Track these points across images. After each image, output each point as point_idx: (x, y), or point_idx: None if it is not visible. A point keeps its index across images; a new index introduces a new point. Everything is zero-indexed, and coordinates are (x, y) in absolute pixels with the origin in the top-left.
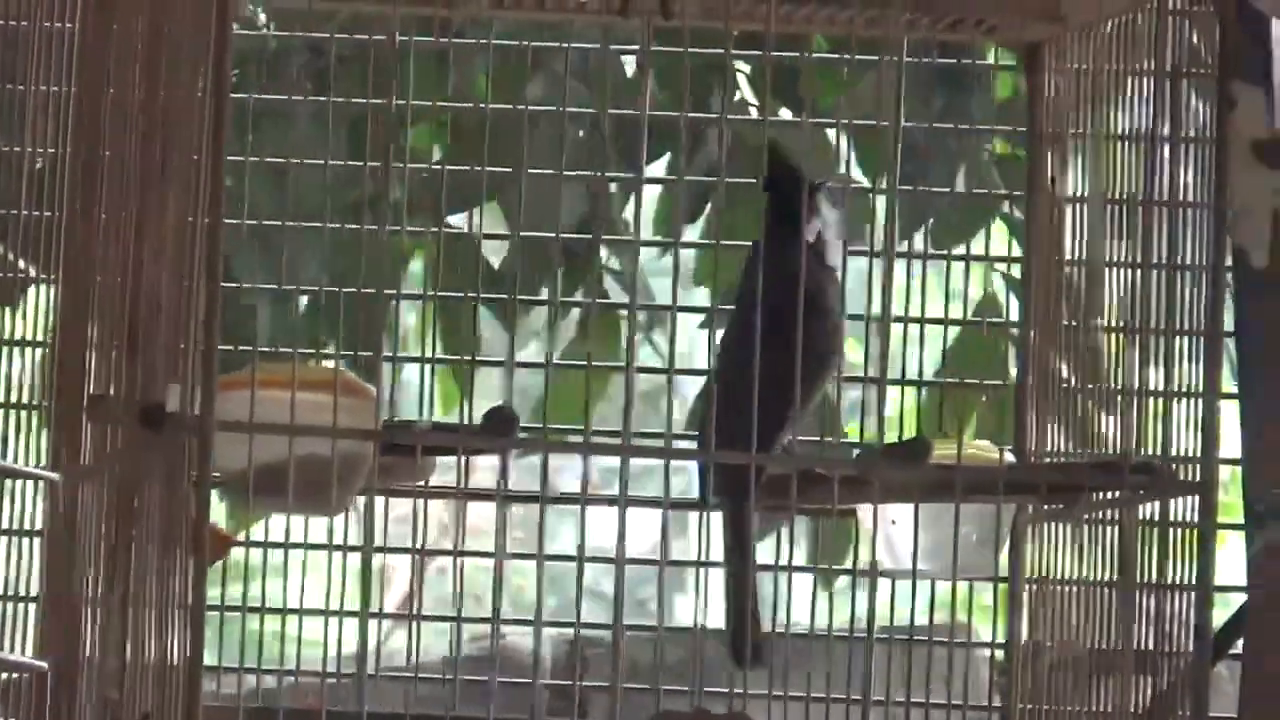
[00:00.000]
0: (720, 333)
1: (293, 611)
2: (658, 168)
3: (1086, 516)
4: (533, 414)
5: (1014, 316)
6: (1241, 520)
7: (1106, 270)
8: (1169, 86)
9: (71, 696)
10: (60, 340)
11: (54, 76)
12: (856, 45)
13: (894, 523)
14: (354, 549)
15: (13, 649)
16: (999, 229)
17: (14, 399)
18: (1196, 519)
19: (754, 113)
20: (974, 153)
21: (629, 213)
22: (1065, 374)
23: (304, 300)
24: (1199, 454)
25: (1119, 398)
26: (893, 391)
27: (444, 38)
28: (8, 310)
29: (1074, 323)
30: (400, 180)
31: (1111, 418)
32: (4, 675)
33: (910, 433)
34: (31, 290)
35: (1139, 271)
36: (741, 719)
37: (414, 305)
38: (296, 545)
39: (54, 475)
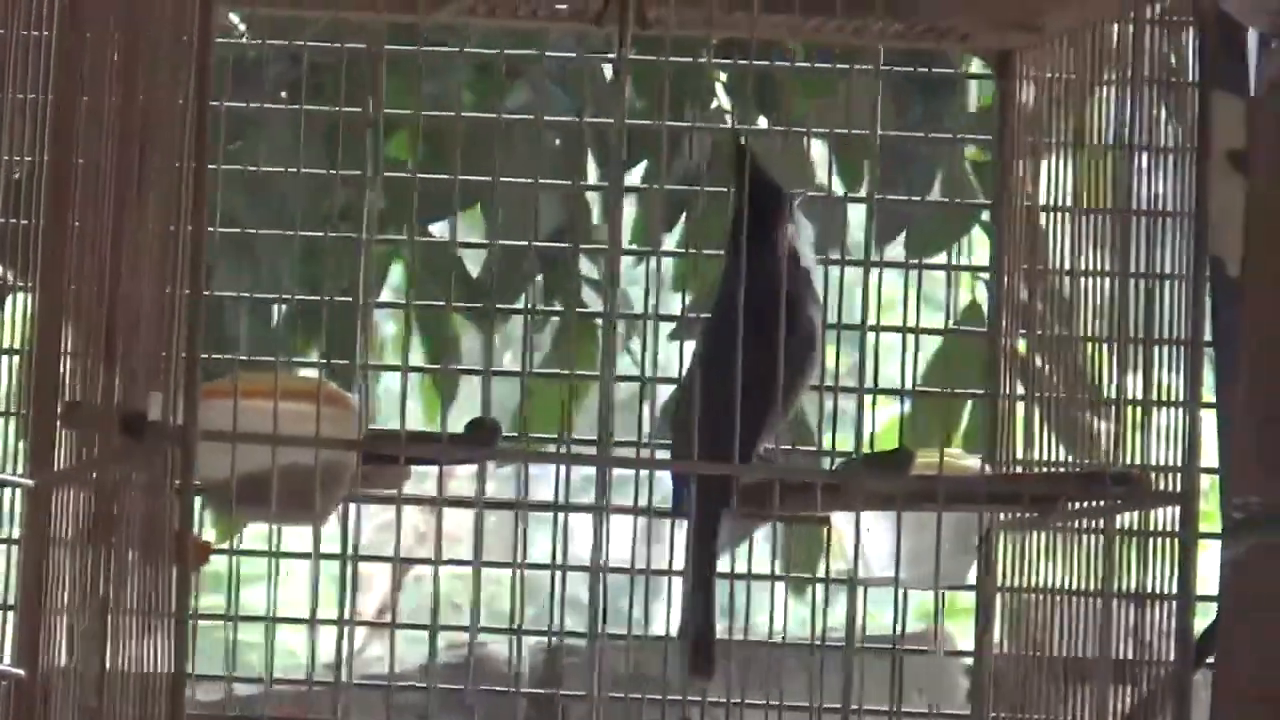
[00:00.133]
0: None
1: (270, 620)
2: (634, 176)
3: (1062, 525)
4: (512, 423)
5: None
6: (1218, 529)
7: (1085, 279)
8: (1152, 96)
9: (48, 704)
10: (36, 347)
11: (31, 84)
12: (827, 53)
13: (868, 530)
14: (332, 557)
15: None
16: (981, 239)
17: None
18: (1177, 528)
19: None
20: (950, 161)
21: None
22: (1043, 382)
23: (281, 309)
24: (1179, 463)
25: (1099, 407)
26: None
27: (421, 46)
28: None
29: (1050, 331)
30: (373, 187)
31: (1091, 426)
32: None
33: (889, 443)
34: (10, 298)
35: (1116, 280)
36: None
37: (392, 313)
38: (270, 554)
39: (27, 481)
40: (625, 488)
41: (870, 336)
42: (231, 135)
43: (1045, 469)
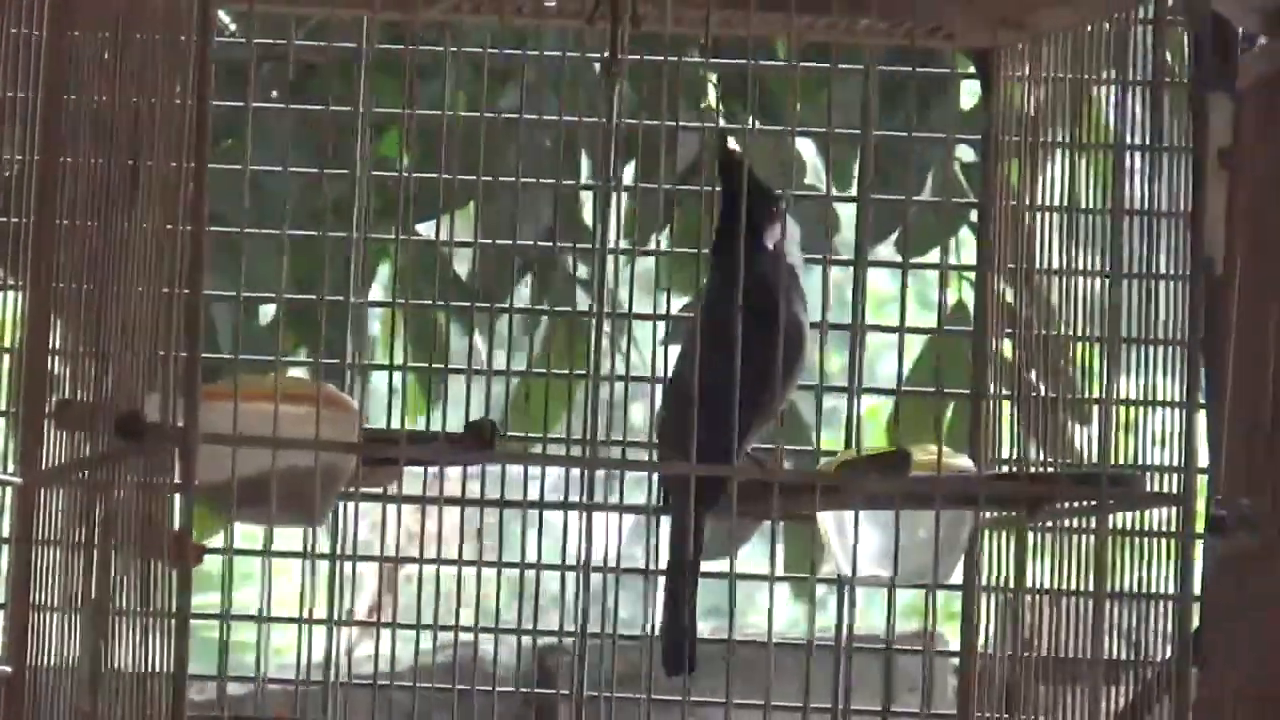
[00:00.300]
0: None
1: (261, 619)
2: (625, 176)
3: (1051, 525)
4: (501, 423)
5: None
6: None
7: (1075, 279)
8: (1149, 96)
9: (36, 704)
10: (26, 345)
11: (22, 83)
12: (818, 53)
13: (854, 529)
14: (323, 556)
15: None
16: (970, 239)
17: None
18: (1171, 528)
19: (722, 120)
20: (941, 161)
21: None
22: (1030, 382)
23: (269, 309)
24: (1172, 464)
25: (1093, 407)
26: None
27: (410, 45)
28: None
29: (1039, 331)
30: (361, 186)
31: (1083, 427)
32: None
33: (874, 440)
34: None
35: (1106, 281)
36: None
37: (380, 312)
38: (261, 553)
39: (16, 479)
40: (630, 487)
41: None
42: (221, 134)
43: (1040, 469)
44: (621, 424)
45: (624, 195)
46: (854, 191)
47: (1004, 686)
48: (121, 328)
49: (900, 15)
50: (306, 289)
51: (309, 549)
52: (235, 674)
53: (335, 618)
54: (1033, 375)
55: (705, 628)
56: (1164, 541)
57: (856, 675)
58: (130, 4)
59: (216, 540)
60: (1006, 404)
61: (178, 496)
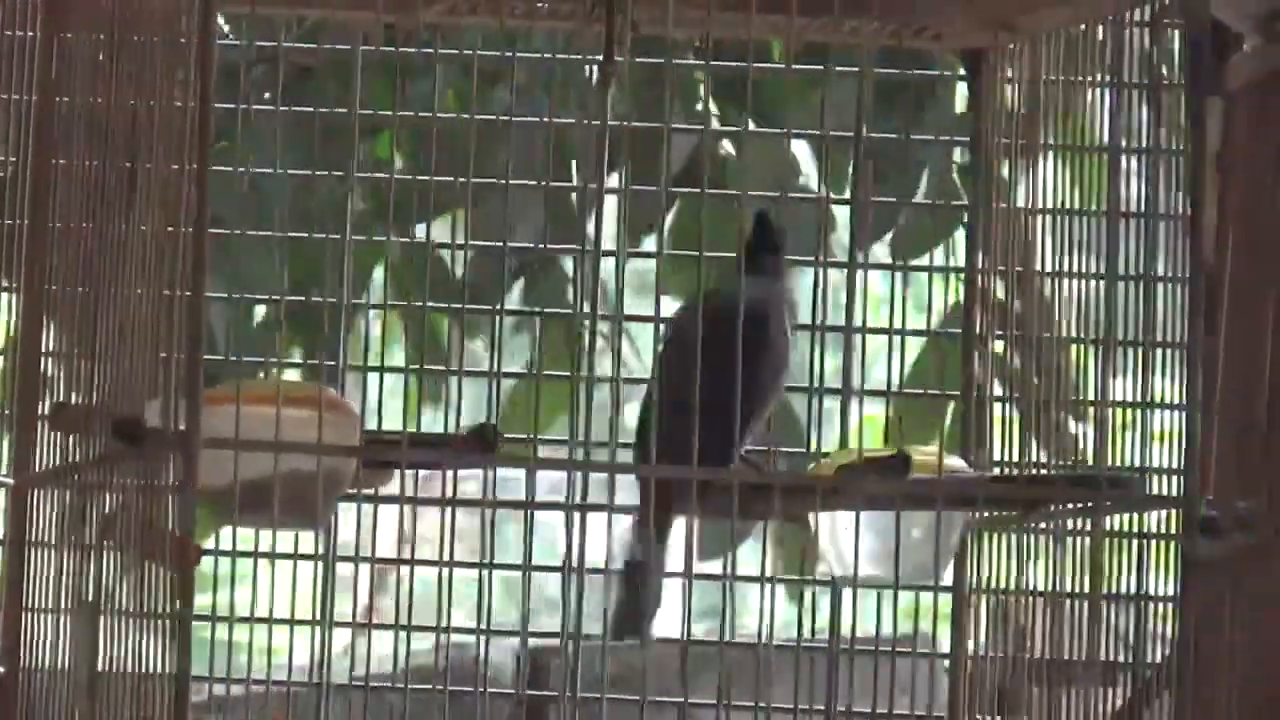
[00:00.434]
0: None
1: (253, 620)
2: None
3: (1046, 526)
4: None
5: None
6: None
7: (1069, 281)
8: (1144, 98)
9: (30, 706)
10: (21, 348)
11: (15, 85)
12: (812, 55)
13: (848, 529)
14: (309, 558)
15: None
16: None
17: None
18: (1164, 529)
19: (715, 123)
20: (935, 163)
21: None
22: (1025, 384)
23: (263, 310)
24: (1169, 465)
25: (1090, 409)
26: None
27: (405, 47)
28: None
29: (1032, 332)
30: (353, 188)
31: (1079, 427)
32: None
33: (870, 442)
34: None
35: (1101, 283)
36: None
37: (376, 314)
38: (250, 554)
39: (8, 480)
40: (624, 489)
41: (855, 338)
42: (215, 136)
43: (1037, 471)
44: (616, 427)
45: (617, 197)
46: (849, 193)
47: (996, 689)
48: (119, 330)
49: (900, 16)
50: (302, 290)
51: (317, 550)
52: (225, 675)
53: (327, 619)
54: (1025, 375)
55: (699, 629)
56: (1160, 543)
57: (847, 677)
58: (124, 5)
59: (208, 542)
60: (999, 405)
61: (178, 500)
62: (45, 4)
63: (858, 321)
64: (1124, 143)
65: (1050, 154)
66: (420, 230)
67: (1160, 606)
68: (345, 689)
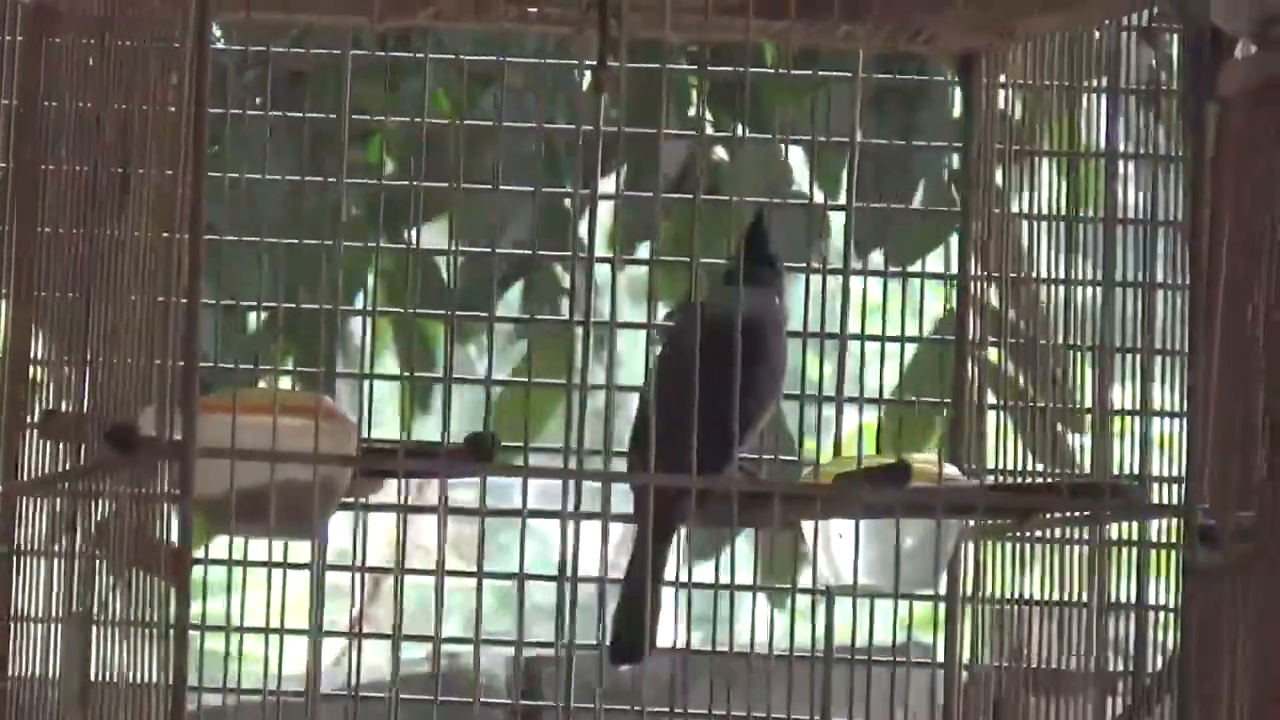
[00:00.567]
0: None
1: (243, 630)
2: (609, 184)
3: (1043, 535)
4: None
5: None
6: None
7: (1063, 288)
8: (1140, 103)
9: (19, 715)
10: (8, 354)
11: (4, 90)
12: (807, 59)
13: (840, 536)
14: (299, 567)
15: None
16: None
17: None
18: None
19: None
20: (930, 167)
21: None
22: (1020, 392)
23: (255, 317)
24: (1167, 474)
25: (1089, 416)
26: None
27: (396, 51)
28: None
29: (1028, 339)
30: (345, 193)
31: (1077, 436)
32: None
33: (864, 450)
34: None
35: (1094, 289)
36: None
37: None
38: (240, 563)
39: None
40: (617, 497)
41: (849, 344)
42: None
43: (1033, 479)
44: (609, 434)
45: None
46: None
47: (990, 700)
48: (111, 337)
49: (894, 20)
50: (295, 297)
51: (314, 559)
52: (215, 686)
53: (318, 628)
54: (1022, 383)
55: (695, 638)
56: (1159, 551)
57: (847, 687)
58: (112, 10)
59: (197, 551)
60: (992, 413)
61: (176, 509)
62: (33, 7)
63: (853, 328)
64: (1121, 148)
65: (1046, 159)
66: (413, 235)
67: (1158, 615)
68: (337, 698)
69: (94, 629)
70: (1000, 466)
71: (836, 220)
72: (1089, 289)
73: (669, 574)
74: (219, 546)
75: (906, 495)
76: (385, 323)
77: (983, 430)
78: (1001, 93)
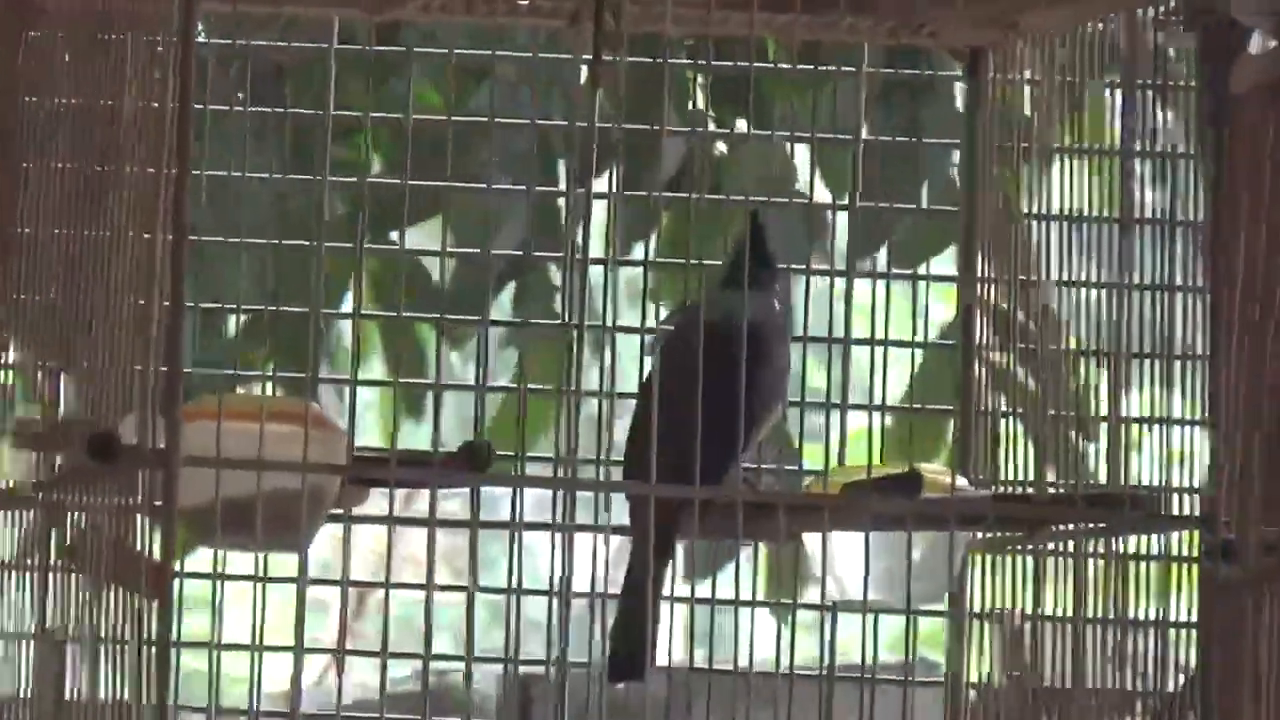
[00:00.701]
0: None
1: (221, 647)
2: (603, 183)
3: (1055, 548)
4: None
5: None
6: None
7: (1074, 290)
8: (1155, 99)
9: None
10: None
11: None
12: (809, 55)
13: (842, 551)
14: (283, 580)
15: None
16: None
17: None
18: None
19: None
20: (937, 164)
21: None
22: (1029, 398)
23: (235, 320)
24: (1185, 485)
25: (1103, 425)
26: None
27: (379, 45)
28: None
29: (1039, 344)
30: (328, 191)
31: (1086, 445)
32: None
33: (862, 457)
34: None
35: (1105, 292)
36: None
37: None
38: (221, 576)
39: None
40: (615, 509)
41: (852, 349)
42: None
43: (1047, 489)
44: (605, 443)
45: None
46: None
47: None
48: (90, 342)
49: (900, 14)
50: (279, 300)
51: (302, 572)
52: (192, 705)
53: (300, 644)
54: (1030, 389)
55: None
56: (1177, 565)
57: (848, 704)
58: (93, 2)
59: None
60: (1002, 420)
61: (160, 520)
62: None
63: (857, 331)
64: (1136, 145)
65: (1058, 156)
66: (399, 236)
67: (1176, 631)
68: (322, 718)
69: (69, 647)
70: (1010, 477)
71: (841, 220)
72: (1102, 291)
73: (666, 588)
74: (199, 560)
75: (918, 506)
76: (372, 326)
77: (996, 434)
78: (1010, 89)
